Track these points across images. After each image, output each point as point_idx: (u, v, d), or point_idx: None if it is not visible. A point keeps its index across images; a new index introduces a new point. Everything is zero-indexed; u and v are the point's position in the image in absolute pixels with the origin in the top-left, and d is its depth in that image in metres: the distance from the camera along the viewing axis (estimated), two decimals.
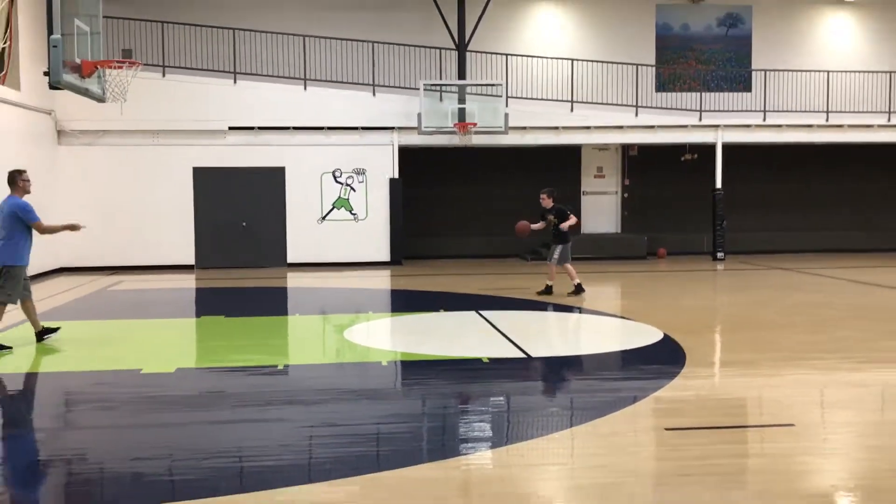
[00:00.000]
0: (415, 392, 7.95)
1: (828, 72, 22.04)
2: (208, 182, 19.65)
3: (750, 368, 8.40)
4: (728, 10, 23.13)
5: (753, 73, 22.80)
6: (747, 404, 7.27)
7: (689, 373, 8.12)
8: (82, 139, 19.09)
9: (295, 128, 19.83)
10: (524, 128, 20.41)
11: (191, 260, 19.69)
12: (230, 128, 19.61)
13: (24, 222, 9.42)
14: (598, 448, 5.87)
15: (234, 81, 19.68)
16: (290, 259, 20.04)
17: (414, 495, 4.90)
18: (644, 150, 22.61)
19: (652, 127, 21.13)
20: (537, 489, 5.14)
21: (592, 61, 21.42)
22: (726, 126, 21.34)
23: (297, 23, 20.48)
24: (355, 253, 20.13)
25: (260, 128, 19.71)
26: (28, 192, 9.73)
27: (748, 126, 21.45)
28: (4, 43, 15.81)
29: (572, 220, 14.08)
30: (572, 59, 21.20)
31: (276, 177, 19.92)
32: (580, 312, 12.63)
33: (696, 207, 22.28)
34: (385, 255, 20.28)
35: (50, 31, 11.03)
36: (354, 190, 20.24)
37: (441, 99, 20.09)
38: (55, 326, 10.16)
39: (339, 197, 20.23)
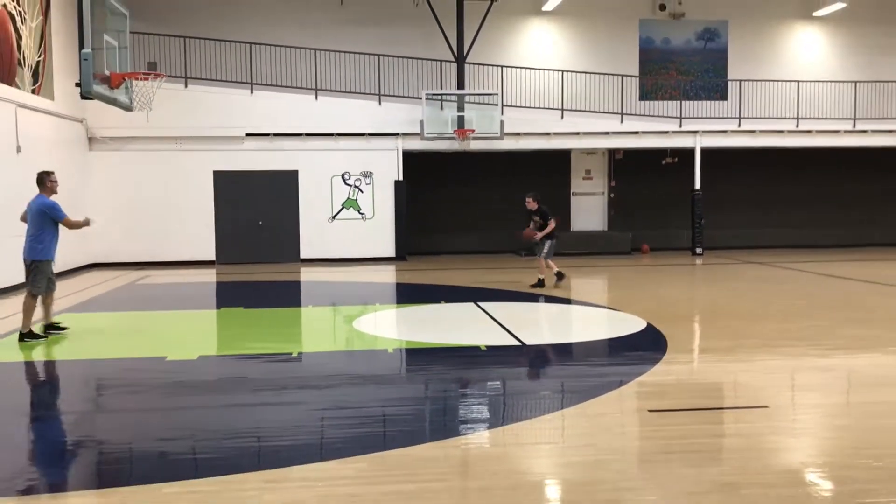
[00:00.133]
0: (418, 377, 7.95)
1: (798, 82, 22.01)
2: (227, 184, 19.63)
3: (726, 355, 8.40)
4: (706, 25, 23.08)
5: (729, 82, 22.75)
6: (724, 388, 7.26)
7: (671, 359, 8.11)
8: (111, 145, 19.06)
9: (307, 134, 19.80)
10: (518, 134, 20.38)
11: (211, 256, 19.68)
12: (247, 134, 19.58)
13: (51, 220, 9.34)
14: (587, 428, 5.86)
15: (251, 91, 19.64)
16: (303, 255, 20.02)
17: (417, 472, 4.90)
18: (629, 154, 22.59)
19: (636, 133, 21.10)
20: (531, 466, 5.13)
21: (581, 72, 21.39)
22: (704, 132, 21.31)
23: (309, 38, 20.44)
24: (363, 249, 20.11)
25: (275, 134, 19.68)
26: (55, 192, 9.62)
27: (724, 132, 21.42)
28: (39, 56, 15.79)
29: (551, 226, 14.06)
30: (563, 71, 21.16)
31: (289, 179, 19.90)
32: (570, 304, 12.62)
33: (677, 207, 22.27)
34: (390, 252, 20.26)
35: (81, 46, 11.04)
36: (362, 191, 20.22)
37: (442, 107, 20.07)
38: (65, 326, 9.93)
39: (348, 198, 20.21)
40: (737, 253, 21.60)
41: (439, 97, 20.05)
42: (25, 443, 5.86)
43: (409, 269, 18.29)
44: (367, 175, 20.18)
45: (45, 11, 16.15)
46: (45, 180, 9.54)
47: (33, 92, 15.47)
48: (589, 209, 23.28)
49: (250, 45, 19.70)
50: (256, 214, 19.84)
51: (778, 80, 22.18)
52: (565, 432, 5.89)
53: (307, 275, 17.72)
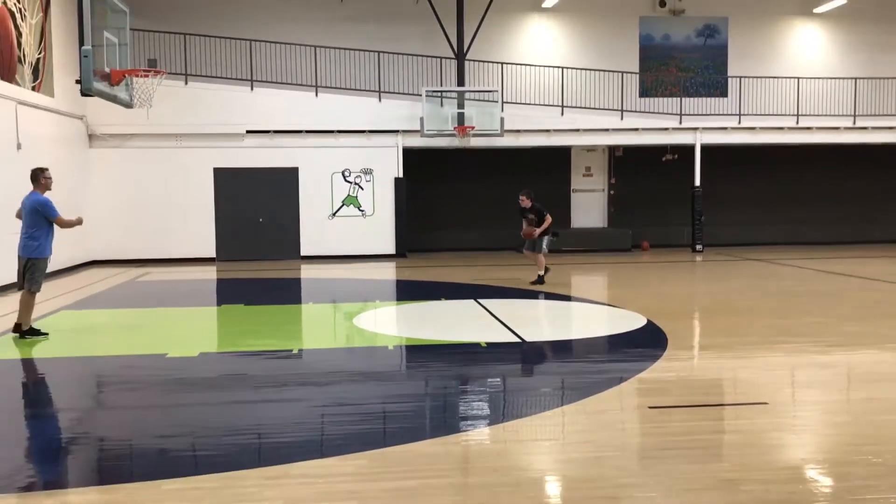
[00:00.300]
0: (418, 374, 7.95)
1: (798, 78, 21.99)
2: (228, 181, 19.62)
3: (726, 351, 8.40)
4: (706, 22, 23.05)
5: (729, 79, 22.73)
6: (724, 384, 7.26)
7: (671, 355, 8.11)
8: (111, 142, 19.06)
9: (307, 131, 19.79)
10: (518, 131, 20.36)
11: (212, 253, 19.68)
12: (248, 131, 19.57)
13: (45, 217, 9.28)
14: (587, 425, 5.86)
15: (252, 88, 19.63)
16: (304, 252, 20.02)
17: (418, 468, 4.90)
18: (629, 151, 22.58)
19: (636, 129, 21.08)
20: (531, 462, 5.14)
21: (581, 69, 21.36)
22: (704, 128, 21.30)
23: (309, 34, 20.42)
24: (363, 246, 20.11)
25: (275, 131, 19.67)
26: (49, 188, 9.45)
27: (725, 128, 21.41)
28: (39, 53, 15.77)
29: (548, 221, 14.08)
30: (562, 68, 21.14)
31: (290, 176, 19.89)
32: (570, 301, 12.62)
33: (677, 203, 22.25)
34: (391, 249, 20.26)
35: (81, 43, 11.03)
36: (362, 188, 20.21)
37: (442, 104, 20.05)
38: (41, 331, 9.51)
39: (348, 195, 20.20)
40: (737, 250, 21.59)
41: (439, 94, 20.03)
42: (26, 440, 5.86)
43: (409, 266, 18.29)
44: (368, 172, 20.17)
45: (46, 8, 16.14)
46: (39, 177, 9.42)
47: (33, 89, 15.45)
48: (589, 206, 23.27)
49: (250, 42, 19.68)
50: (257, 211, 19.83)
51: (778, 77, 22.16)
52: (565, 429, 5.89)
53: (307, 272, 17.72)
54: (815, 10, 22.95)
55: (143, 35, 18.48)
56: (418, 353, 8.80)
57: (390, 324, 10.92)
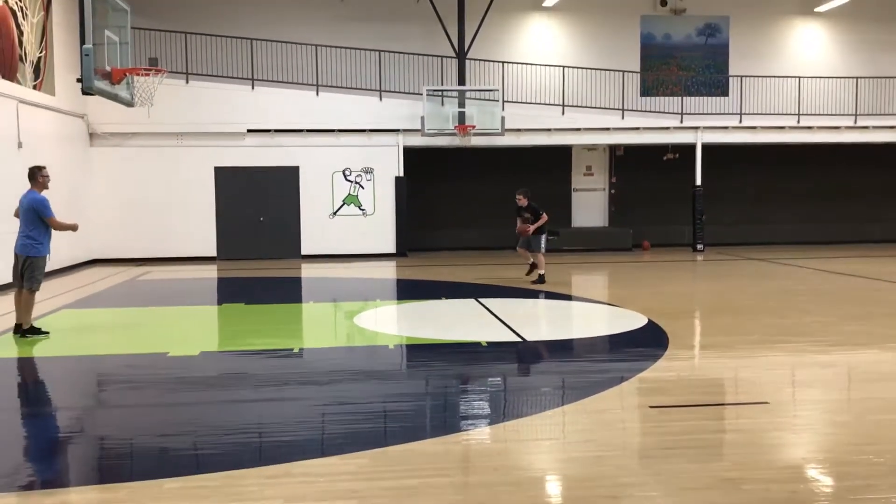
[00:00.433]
0: (419, 373, 7.95)
1: (799, 77, 21.98)
2: (228, 180, 19.62)
3: (727, 350, 8.40)
4: (707, 21, 23.04)
5: (730, 78, 22.72)
6: (725, 384, 7.26)
7: (672, 355, 8.11)
8: (112, 141, 19.06)
9: (308, 130, 19.79)
10: (519, 130, 20.36)
11: (213, 252, 19.68)
12: (248, 130, 19.57)
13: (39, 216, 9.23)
14: (588, 424, 5.86)
15: (252, 87, 19.63)
16: (304, 251, 20.03)
17: (418, 467, 4.91)
18: (630, 150, 22.57)
19: (637, 129, 21.08)
20: (532, 462, 5.14)
21: (582, 68, 21.35)
22: (705, 128, 21.29)
23: (310, 33, 20.42)
24: (364, 245, 20.11)
25: (276, 130, 19.67)
26: (46, 187, 9.41)
27: (725, 128, 21.40)
28: (40, 52, 15.77)
29: (544, 218, 14.12)
30: (563, 67, 21.13)
31: (290, 175, 19.89)
32: (571, 300, 12.62)
33: (678, 203, 22.23)
34: (391, 248, 20.26)
35: (82, 41, 11.03)
36: (363, 187, 20.21)
37: (443, 103, 20.04)
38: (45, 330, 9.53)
39: (349, 194, 20.20)
40: (738, 249, 21.59)
41: (440, 93, 20.02)
42: (27, 439, 5.86)
43: (409, 266, 18.29)
44: (368, 171, 20.17)
45: (47, 7, 16.14)
46: (37, 175, 9.40)
47: (34, 88, 15.46)
48: (589, 205, 23.26)
49: (251, 41, 19.69)
50: (257, 210, 19.83)
51: (779, 76, 22.15)
52: (566, 428, 5.89)
53: (308, 271, 17.73)
54: (817, 9, 22.94)
55: (144, 34, 18.48)
56: (419, 352, 8.80)
57: (391, 323, 10.92)
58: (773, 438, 5.47)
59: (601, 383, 7.02)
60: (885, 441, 5.35)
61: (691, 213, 21.47)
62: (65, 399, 7.12)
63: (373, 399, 6.66)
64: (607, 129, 20.88)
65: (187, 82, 19.20)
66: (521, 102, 20.87)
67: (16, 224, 9.44)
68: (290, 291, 14.72)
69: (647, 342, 8.93)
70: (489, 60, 20.98)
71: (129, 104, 13.20)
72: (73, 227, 9.67)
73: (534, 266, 14.34)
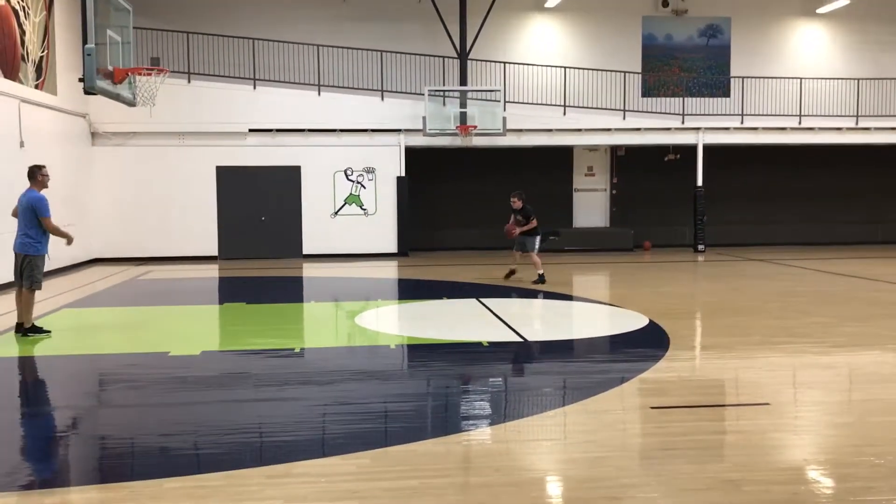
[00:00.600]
0: (420, 373, 7.94)
1: (800, 79, 21.96)
2: (230, 180, 19.63)
3: (728, 351, 8.39)
4: (708, 22, 23.03)
5: (732, 79, 22.71)
6: (726, 385, 7.25)
7: (673, 355, 8.11)
8: (114, 140, 19.06)
9: (310, 130, 19.79)
10: (520, 130, 20.35)
11: (214, 251, 19.68)
12: (250, 130, 19.58)
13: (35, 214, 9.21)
14: (589, 425, 5.86)
15: (254, 87, 19.63)
16: (306, 251, 20.03)
17: (419, 468, 4.90)
18: (631, 151, 22.56)
19: (638, 129, 21.07)
20: (532, 462, 5.13)
21: (583, 69, 21.34)
22: (707, 128, 21.28)
23: (311, 33, 20.42)
24: (365, 245, 20.11)
25: (278, 130, 19.67)
26: (46, 186, 9.40)
27: (727, 128, 21.39)
28: (42, 51, 15.78)
29: (533, 223, 14.28)
30: (565, 67, 21.13)
31: (292, 175, 19.89)
32: (571, 300, 12.62)
33: (679, 203, 22.23)
34: (393, 247, 20.26)
35: (85, 41, 11.04)
36: (364, 187, 20.21)
37: (444, 103, 20.04)
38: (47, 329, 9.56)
39: (351, 193, 20.20)
40: (739, 250, 21.58)
41: (442, 93, 20.02)
42: (27, 438, 5.86)
43: (411, 265, 18.29)
44: (370, 171, 20.17)
45: (49, 6, 16.14)
46: (36, 174, 9.39)
47: (37, 87, 15.46)
48: (591, 206, 23.25)
49: (253, 41, 19.69)
50: (259, 210, 19.83)
51: (781, 77, 22.13)
52: (567, 429, 5.89)
53: (309, 270, 17.72)
54: (818, 11, 22.92)
55: (147, 33, 18.49)
56: (420, 352, 8.79)
57: (392, 323, 10.92)
58: (774, 440, 5.46)
59: (602, 384, 7.01)
60: (886, 443, 5.34)
61: (692, 214, 21.46)
62: (66, 398, 7.12)
63: (374, 399, 6.65)
64: (608, 129, 20.87)
65: (189, 82, 19.20)
66: (523, 103, 20.87)
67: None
68: (291, 291, 14.72)
69: (648, 343, 8.93)
70: (491, 61, 20.98)
71: (131, 104, 13.21)
72: (68, 239, 9.53)
73: (513, 272, 14.63)
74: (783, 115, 21.73)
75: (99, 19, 11.25)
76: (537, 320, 11.20)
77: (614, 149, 22.84)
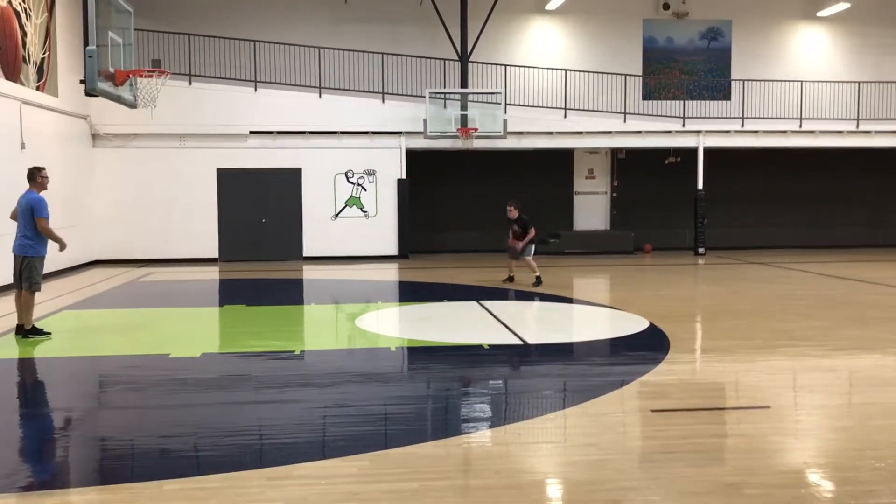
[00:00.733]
0: (420, 376, 7.94)
1: (801, 82, 21.97)
2: (231, 182, 19.63)
3: (728, 354, 8.38)
4: (709, 25, 23.05)
5: (732, 82, 22.72)
6: (726, 388, 7.25)
7: (673, 358, 8.11)
8: (115, 142, 19.07)
9: (311, 132, 19.79)
10: (521, 132, 20.36)
11: (214, 253, 19.69)
12: (251, 132, 19.59)
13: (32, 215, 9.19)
14: (589, 428, 5.85)
15: (255, 89, 19.64)
16: (306, 253, 20.03)
17: (419, 470, 4.90)
18: (632, 154, 22.56)
19: (639, 132, 21.07)
20: (532, 465, 5.13)
21: (584, 72, 21.36)
22: (707, 131, 21.28)
23: (313, 35, 20.44)
24: (366, 247, 20.11)
25: (278, 132, 19.68)
26: (45, 188, 9.40)
27: (727, 132, 21.39)
28: (44, 53, 15.79)
29: (532, 233, 14.36)
30: (566, 70, 21.14)
31: (293, 177, 19.90)
32: (572, 303, 12.61)
33: (680, 206, 22.23)
34: (393, 250, 20.26)
35: (86, 43, 11.04)
36: (365, 189, 20.21)
37: (445, 106, 20.05)
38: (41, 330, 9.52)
39: (351, 196, 20.21)
40: (739, 253, 21.57)
41: (443, 96, 20.03)
42: (27, 439, 5.86)
43: (411, 268, 18.29)
44: (371, 173, 20.18)
45: (51, 8, 16.16)
46: (36, 175, 9.38)
47: (38, 89, 15.47)
48: (591, 208, 23.25)
49: (254, 43, 19.70)
50: (260, 212, 19.84)
51: (781, 81, 22.14)
52: (567, 432, 5.88)
53: (310, 272, 17.72)
54: (819, 14, 22.94)
55: (148, 35, 18.52)
56: (420, 354, 8.79)
57: (392, 325, 10.92)
58: (775, 443, 5.46)
59: (602, 387, 7.01)
60: (887, 446, 5.34)
61: (693, 217, 21.46)
62: (66, 400, 7.12)
63: (374, 401, 6.65)
64: (609, 132, 20.88)
65: (190, 84, 19.22)
66: (524, 105, 20.88)
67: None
68: (291, 293, 14.71)
69: (649, 346, 8.92)
70: (492, 63, 20.99)
71: (132, 105, 13.21)
72: (61, 244, 9.45)
73: (511, 279, 14.67)
74: (784, 119, 21.74)
75: (100, 21, 11.25)
76: (538, 323, 11.19)
77: (615, 151, 22.85)
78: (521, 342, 9.11)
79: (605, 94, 21.37)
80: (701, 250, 21.21)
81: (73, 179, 17.27)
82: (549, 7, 21.81)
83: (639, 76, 22.31)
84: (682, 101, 21.85)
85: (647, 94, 22.58)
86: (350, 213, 20.18)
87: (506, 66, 20.95)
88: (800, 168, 23.11)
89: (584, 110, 21.00)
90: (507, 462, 5.09)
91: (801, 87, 21.89)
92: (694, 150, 21.32)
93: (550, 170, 22.33)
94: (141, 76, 12.64)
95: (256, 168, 19.64)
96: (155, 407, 6.56)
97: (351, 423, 5.96)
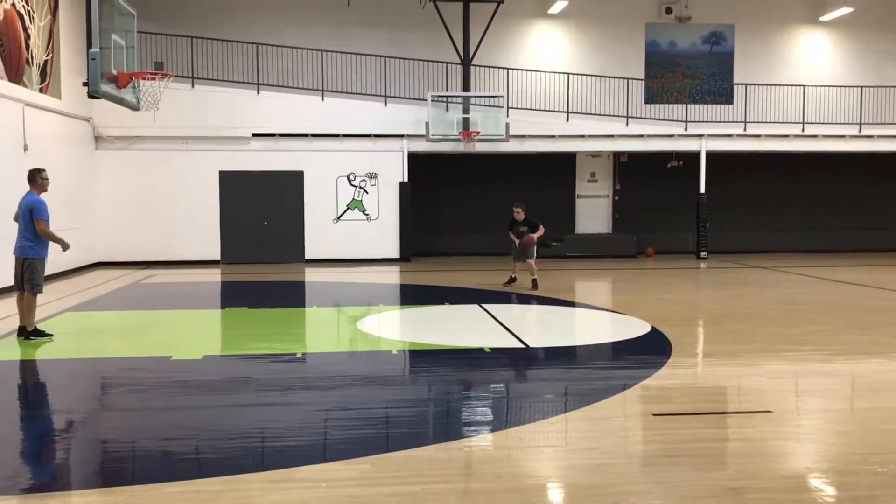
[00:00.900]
0: (421, 379, 7.94)
1: (803, 86, 21.95)
2: (233, 184, 19.65)
3: (731, 359, 8.37)
4: (712, 29, 23.05)
5: (735, 86, 22.72)
6: (728, 392, 7.24)
7: (675, 363, 8.10)
8: (118, 144, 19.10)
9: (313, 135, 19.81)
10: (523, 136, 20.36)
11: (216, 256, 19.70)
12: (253, 135, 19.60)
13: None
14: (591, 432, 5.85)
15: (258, 92, 19.66)
16: (308, 255, 20.03)
17: (421, 473, 4.90)
18: (634, 157, 22.55)
19: (641, 136, 21.07)
20: (534, 469, 5.12)
21: (586, 75, 21.37)
22: (710, 135, 21.28)
23: (315, 38, 20.46)
24: (367, 250, 20.11)
25: (281, 135, 19.70)
26: (45, 189, 9.41)
27: (730, 135, 21.38)
28: (47, 55, 15.82)
29: (541, 231, 14.32)
30: (568, 74, 21.15)
31: (295, 180, 19.91)
32: (574, 306, 12.61)
33: (682, 210, 22.21)
34: (395, 253, 20.26)
35: (89, 45, 11.06)
36: (367, 192, 20.22)
37: (447, 109, 20.06)
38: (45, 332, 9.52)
39: (353, 199, 20.21)
40: (741, 257, 21.56)
41: (445, 99, 20.04)
42: (29, 441, 5.86)
43: (413, 271, 18.29)
44: (373, 176, 20.19)
45: (54, 10, 16.19)
46: (36, 177, 9.38)
47: (41, 91, 15.50)
48: (593, 212, 23.24)
49: (257, 46, 19.73)
50: (262, 214, 19.85)
51: (784, 85, 22.14)
52: (569, 435, 5.88)
53: (312, 275, 17.72)
54: (822, 18, 22.93)
55: (151, 38, 18.54)
56: (422, 357, 8.79)
57: (394, 328, 10.91)
58: (777, 448, 5.45)
59: (604, 390, 7.00)
60: (889, 451, 5.33)
61: (695, 221, 21.45)
62: (67, 402, 7.12)
63: (375, 404, 6.65)
64: (611, 136, 20.88)
65: (193, 86, 19.24)
66: (526, 109, 20.88)
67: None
68: (293, 296, 14.72)
69: (651, 349, 8.91)
70: (494, 67, 21.00)
71: (135, 108, 13.23)
72: (63, 245, 9.44)
73: (513, 280, 14.68)
74: (786, 123, 21.72)
75: (103, 23, 11.27)
76: (539, 326, 11.19)
77: (617, 155, 22.84)
78: (522, 345, 9.10)
79: (607, 98, 21.37)
80: (703, 254, 21.20)
81: (75, 181, 17.29)
82: (551, 11, 21.82)
83: (641, 80, 22.31)
84: (684, 105, 21.85)
85: (650, 98, 22.58)
86: (352, 215, 20.19)
87: (508, 69, 20.96)
88: (802, 172, 23.09)
89: (586, 114, 21.01)
90: (508, 466, 5.09)
91: (803, 92, 21.88)
92: (696, 154, 21.31)
93: (552, 173, 22.33)
94: (144, 78, 12.67)
95: (259, 170, 19.65)
96: (156, 409, 6.56)
97: (352, 426, 5.96)
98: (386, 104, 20.14)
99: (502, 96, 19.89)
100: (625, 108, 21.13)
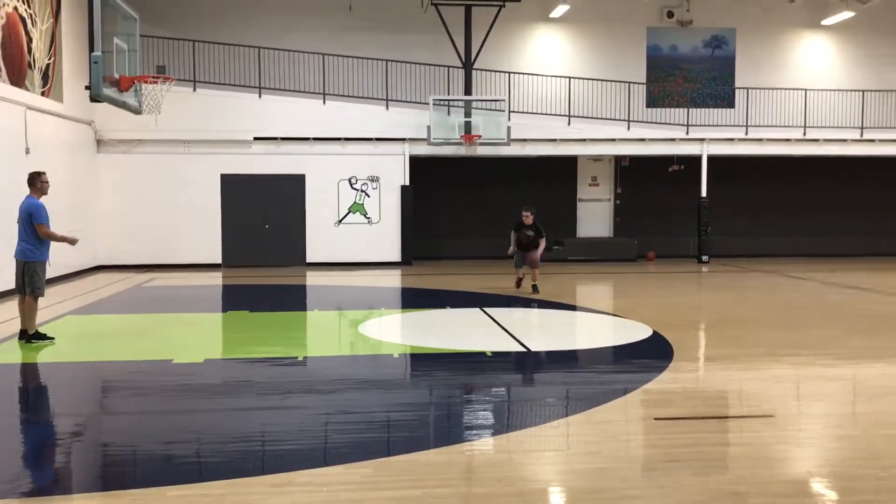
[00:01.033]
0: (423, 382, 7.93)
1: (805, 90, 21.96)
2: (235, 188, 19.66)
3: (732, 363, 8.36)
4: (713, 33, 23.06)
5: (736, 90, 22.72)
6: (730, 396, 7.23)
7: (677, 367, 8.09)
8: (120, 148, 19.11)
9: (314, 138, 19.83)
10: (525, 140, 20.37)
11: (218, 259, 19.70)
12: (255, 138, 19.62)
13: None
14: (592, 436, 5.84)
15: (259, 96, 19.68)
16: (309, 259, 20.03)
17: (422, 477, 4.89)
18: (635, 161, 22.56)
19: (643, 140, 21.08)
20: (535, 473, 5.12)
21: (588, 79, 21.38)
22: (711, 139, 21.28)
23: (317, 42, 20.49)
24: (369, 254, 20.11)
25: (282, 138, 19.71)
26: (45, 193, 9.42)
27: (731, 140, 21.39)
28: (49, 59, 15.85)
29: (542, 247, 14.32)
30: (569, 77, 21.16)
31: (296, 183, 19.92)
32: (574, 310, 12.60)
33: (683, 214, 22.21)
34: (396, 256, 20.26)
35: (91, 49, 11.10)
36: (369, 196, 20.23)
37: (449, 113, 20.06)
38: (51, 336, 9.53)
39: (355, 202, 20.22)
40: (743, 261, 21.54)
41: (446, 103, 20.05)
42: (30, 444, 5.86)
43: (414, 274, 18.28)
44: (374, 179, 20.19)
45: (56, 14, 16.22)
46: (36, 181, 9.39)
47: (43, 94, 15.52)
48: (595, 215, 23.24)
49: (259, 50, 19.75)
50: (263, 218, 19.86)
51: (785, 89, 22.14)
52: (570, 440, 5.87)
53: (313, 279, 17.72)
54: (823, 22, 22.93)
55: (153, 42, 18.57)
56: (423, 361, 8.78)
57: (395, 332, 10.91)
58: (779, 452, 5.44)
59: (605, 394, 7.00)
60: (892, 456, 5.32)
61: (696, 225, 21.44)
62: (68, 405, 7.11)
63: (376, 408, 6.64)
64: (613, 139, 20.89)
65: (195, 90, 19.26)
66: (527, 113, 20.90)
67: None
68: (294, 299, 14.72)
69: (652, 353, 8.90)
70: (495, 71, 21.02)
71: (137, 111, 13.25)
72: (69, 241, 9.48)
73: (519, 283, 14.58)
74: (788, 127, 21.73)
75: (106, 27, 11.30)
76: (541, 330, 11.18)
77: (618, 159, 22.85)
78: (524, 349, 9.10)
79: (608, 102, 21.38)
80: (704, 258, 21.19)
81: (77, 185, 17.31)
82: (553, 15, 21.83)
83: (642, 84, 22.32)
84: (685, 109, 21.85)
85: (651, 102, 22.59)
86: (353, 219, 20.20)
87: (510, 73, 20.98)
88: (804, 176, 23.07)
89: (587, 118, 21.01)
90: (509, 470, 5.08)
91: (805, 96, 21.88)
92: (697, 158, 21.31)
93: (554, 177, 22.34)
94: (146, 82, 12.69)
95: (260, 174, 19.67)
96: (158, 413, 6.56)
97: (353, 430, 5.96)
98: (387, 108, 20.16)
99: (504, 100, 19.90)
100: (626, 112, 21.14)
